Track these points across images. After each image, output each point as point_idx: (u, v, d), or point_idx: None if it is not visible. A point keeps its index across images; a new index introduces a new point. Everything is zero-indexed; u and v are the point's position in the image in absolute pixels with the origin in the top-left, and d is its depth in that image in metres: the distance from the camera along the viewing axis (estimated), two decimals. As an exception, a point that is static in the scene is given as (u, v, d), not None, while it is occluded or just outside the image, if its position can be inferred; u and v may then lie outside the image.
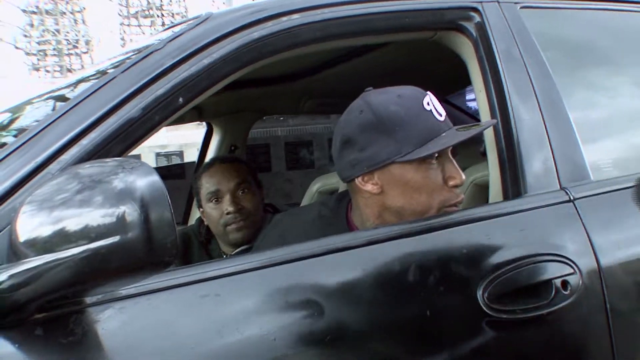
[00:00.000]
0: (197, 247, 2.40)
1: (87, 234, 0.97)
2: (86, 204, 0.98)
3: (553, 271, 1.39)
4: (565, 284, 1.38)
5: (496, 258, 1.36)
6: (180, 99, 1.31)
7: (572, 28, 1.88)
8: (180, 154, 17.61)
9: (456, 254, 1.36)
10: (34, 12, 54.96)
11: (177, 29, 1.49)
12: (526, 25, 1.75)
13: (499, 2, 1.75)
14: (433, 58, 2.14)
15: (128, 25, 57.59)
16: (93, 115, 1.23)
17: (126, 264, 0.99)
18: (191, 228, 2.48)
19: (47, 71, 53.91)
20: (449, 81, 2.76)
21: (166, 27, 1.80)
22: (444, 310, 1.29)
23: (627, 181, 1.63)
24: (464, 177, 1.42)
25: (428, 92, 1.45)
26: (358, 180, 1.41)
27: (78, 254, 0.96)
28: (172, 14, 56.01)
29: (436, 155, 1.39)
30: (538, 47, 1.72)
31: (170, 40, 1.39)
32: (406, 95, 1.42)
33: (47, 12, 55.08)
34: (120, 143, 1.22)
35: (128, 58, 1.42)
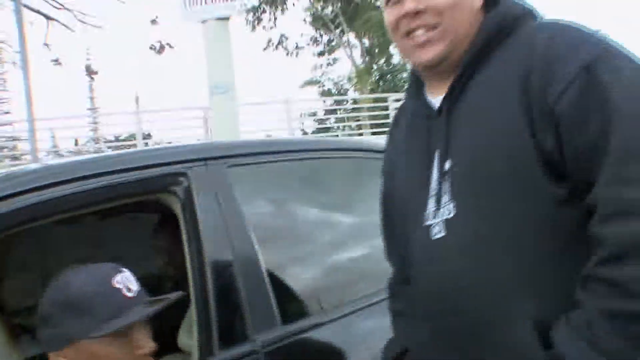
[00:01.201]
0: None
1: None
2: None
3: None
4: None
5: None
6: None
7: (274, 179, 2.09)
8: None
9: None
10: None
11: None
12: (230, 182, 1.91)
13: (206, 165, 1.90)
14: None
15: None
16: None
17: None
18: None
19: None
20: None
21: None
22: None
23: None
24: (152, 344, 1.52)
25: (122, 270, 1.54)
26: (52, 356, 1.47)
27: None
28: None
29: (125, 329, 1.48)
30: (239, 201, 1.89)
31: None
32: (97, 274, 1.51)
33: None
34: None
35: None
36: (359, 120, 22.40)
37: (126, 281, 1.55)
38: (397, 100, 13.90)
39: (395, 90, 31.55)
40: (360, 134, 19.65)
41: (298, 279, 2.02)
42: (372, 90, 30.61)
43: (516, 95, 1.11)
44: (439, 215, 1.20)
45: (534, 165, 1.08)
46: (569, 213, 1.08)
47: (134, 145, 12.22)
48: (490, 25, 1.21)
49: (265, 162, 2.06)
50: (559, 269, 1.10)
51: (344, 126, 21.28)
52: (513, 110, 1.11)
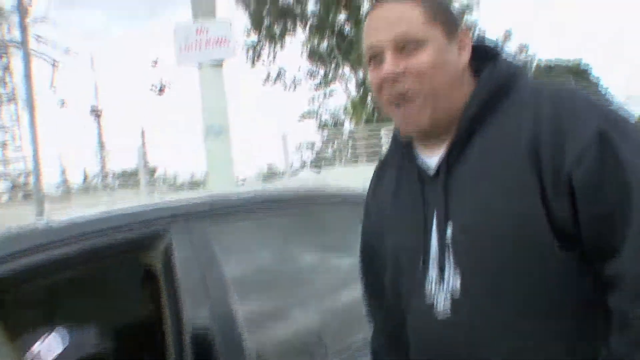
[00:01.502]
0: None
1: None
2: None
3: None
4: None
5: None
6: None
7: (255, 234, 2.13)
8: None
9: None
10: None
11: None
12: (211, 238, 1.96)
13: (187, 222, 1.95)
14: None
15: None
16: None
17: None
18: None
19: None
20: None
21: None
22: None
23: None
24: None
25: (53, 336, 1.55)
26: None
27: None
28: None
29: None
30: (219, 259, 1.94)
31: None
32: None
33: None
34: None
35: None
36: (355, 150, 22.47)
37: (44, 348, 1.54)
38: (390, 131, 13.95)
39: (390, 120, 31.71)
40: (356, 159, 19.74)
41: (277, 335, 2.05)
42: (367, 121, 30.79)
43: (524, 160, 1.06)
44: (442, 288, 1.14)
45: (545, 231, 1.04)
46: (581, 280, 1.05)
47: (139, 181, 12.25)
48: (489, 87, 1.16)
49: (246, 218, 2.12)
50: (573, 343, 1.06)
51: (341, 157, 21.32)
52: (521, 175, 1.07)
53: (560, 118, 1.06)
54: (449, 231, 1.14)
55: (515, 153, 1.09)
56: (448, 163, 1.17)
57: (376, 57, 1.17)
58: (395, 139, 1.33)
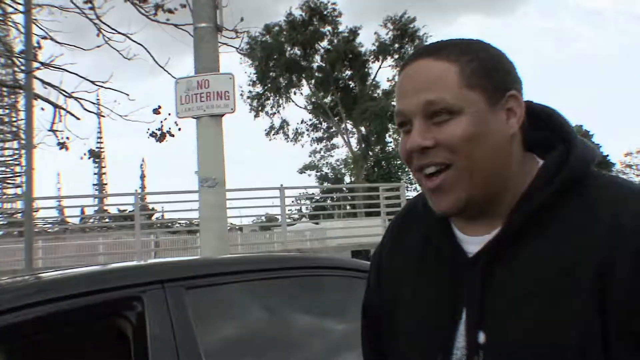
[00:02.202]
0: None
1: None
2: None
3: None
4: None
5: None
6: None
7: (233, 301, 2.06)
8: None
9: None
10: None
11: None
12: (187, 304, 1.88)
13: (164, 288, 1.88)
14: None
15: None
16: None
17: None
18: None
19: None
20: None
21: None
22: None
23: None
24: None
25: None
26: None
27: None
28: None
29: None
30: (194, 327, 1.85)
31: None
32: None
33: None
34: None
35: None
36: (354, 206, 22.51)
37: None
38: (387, 190, 13.98)
39: (390, 176, 32.00)
40: (355, 214, 19.73)
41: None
42: (368, 176, 30.96)
43: (588, 289, 0.88)
44: None
45: None
46: None
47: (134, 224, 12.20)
48: (562, 178, 0.96)
49: (224, 283, 2.04)
50: None
51: (341, 211, 21.34)
52: (582, 306, 0.88)
53: None
54: (482, 340, 0.96)
55: (577, 274, 0.90)
56: (492, 254, 0.97)
57: (405, 125, 1.00)
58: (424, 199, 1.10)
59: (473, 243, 1.00)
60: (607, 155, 43.73)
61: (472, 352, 0.96)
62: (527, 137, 1.01)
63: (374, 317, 1.19)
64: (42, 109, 8.88)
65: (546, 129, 1.01)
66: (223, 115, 5.80)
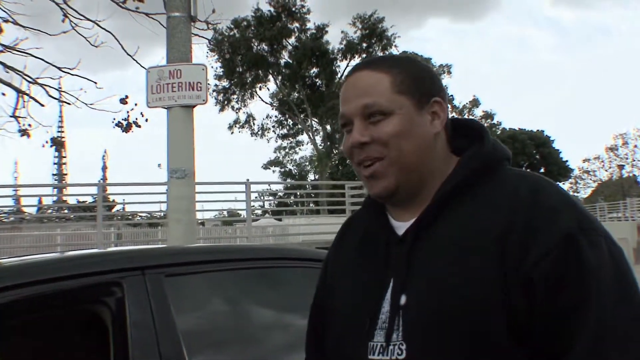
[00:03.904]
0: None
1: None
2: None
3: None
4: None
5: None
6: None
7: (213, 289, 2.05)
8: None
9: None
10: None
11: None
12: (167, 292, 1.86)
13: (144, 274, 1.85)
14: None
15: None
16: None
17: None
18: None
19: None
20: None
21: None
22: None
23: None
24: None
25: None
26: None
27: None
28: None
29: None
30: (174, 314, 1.83)
31: None
32: None
33: None
34: None
35: None
36: (317, 203, 22.53)
37: None
38: (353, 188, 14.04)
39: (354, 175, 32.04)
40: (318, 212, 19.75)
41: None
42: (332, 174, 31.04)
43: (491, 247, 1.05)
44: (387, 352, 1.11)
45: (499, 322, 1.02)
46: None
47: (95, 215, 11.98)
48: (473, 165, 1.16)
49: (204, 272, 2.03)
50: None
51: (303, 208, 21.33)
52: (485, 261, 1.05)
53: (535, 213, 1.06)
54: (403, 301, 1.12)
55: (484, 237, 1.07)
56: (416, 232, 1.15)
57: (347, 125, 1.20)
58: (367, 200, 1.31)
59: (404, 227, 1.18)
60: (567, 161, 44.86)
61: (394, 313, 1.12)
62: (452, 143, 1.21)
63: (318, 315, 1.34)
64: (4, 94, 8.65)
65: (469, 137, 1.21)
66: (194, 106, 5.74)
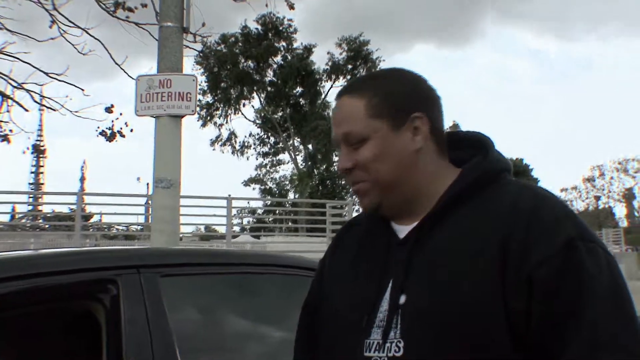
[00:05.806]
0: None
1: None
2: None
3: None
4: None
5: None
6: None
7: (208, 291, 2.05)
8: None
9: None
10: None
11: None
12: (161, 292, 1.86)
13: (139, 273, 1.85)
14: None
15: None
16: None
17: None
18: None
19: None
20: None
21: None
22: None
23: None
24: None
25: None
26: None
27: None
28: None
29: None
30: (168, 314, 1.83)
31: None
32: None
33: None
34: None
35: None
36: (296, 222, 22.49)
37: None
38: (334, 207, 14.05)
39: (334, 195, 32.18)
40: (296, 230, 19.67)
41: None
42: (312, 194, 31.02)
43: (493, 252, 1.08)
44: (384, 350, 1.14)
45: (497, 325, 1.06)
46: None
47: (71, 225, 11.82)
48: (476, 173, 1.20)
49: (200, 274, 2.03)
50: None
51: (282, 226, 21.27)
52: (486, 266, 1.08)
53: (536, 220, 1.09)
54: (402, 301, 1.14)
55: (485, 242, 1.10)
56: (417, 235, 1.18)
57: (338, 147, 1.26)
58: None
59: (405, 231, 1.21)
60: (544, 190, 45.29)
61: (392, 311, 1.15)
62: (455, 153, 1.26)
63: (311, 314, 1.36)
64: (-13, 97, 8.56)
65: (474, 148, 1.26)
66: (183, 116, 5.74)
